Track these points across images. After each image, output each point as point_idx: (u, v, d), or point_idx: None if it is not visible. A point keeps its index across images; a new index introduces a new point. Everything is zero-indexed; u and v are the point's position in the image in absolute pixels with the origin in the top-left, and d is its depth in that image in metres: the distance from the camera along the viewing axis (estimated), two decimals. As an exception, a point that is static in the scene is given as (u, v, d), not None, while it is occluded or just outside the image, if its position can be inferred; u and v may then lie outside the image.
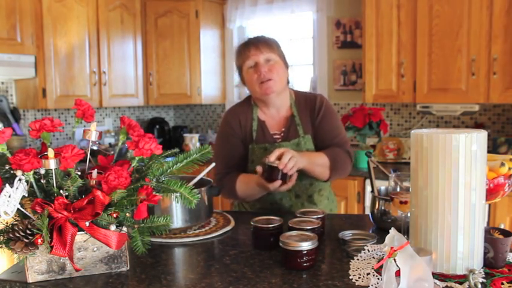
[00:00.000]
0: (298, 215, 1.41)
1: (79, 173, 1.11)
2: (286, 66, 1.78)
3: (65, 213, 1.02)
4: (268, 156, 1.53)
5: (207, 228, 1.48)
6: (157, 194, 1.11)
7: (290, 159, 1.51)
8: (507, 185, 1.15)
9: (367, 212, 2.86)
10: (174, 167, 1.19)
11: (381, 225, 1.44)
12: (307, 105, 1.80)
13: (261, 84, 1.69)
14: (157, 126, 4.42)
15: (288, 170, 1.51)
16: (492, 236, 1.11)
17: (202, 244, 1.36)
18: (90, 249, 1.11)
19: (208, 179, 1.58)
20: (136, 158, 1.15)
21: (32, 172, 1.04)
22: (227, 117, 1.83)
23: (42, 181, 1.07)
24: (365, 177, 3.00)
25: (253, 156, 1.78)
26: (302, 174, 1.68)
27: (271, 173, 1.53)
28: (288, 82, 1.81)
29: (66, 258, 1.04)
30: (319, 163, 1.68)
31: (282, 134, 1.78)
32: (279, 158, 1.51)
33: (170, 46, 4.05)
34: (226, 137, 1.81)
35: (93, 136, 1.14)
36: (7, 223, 1.05)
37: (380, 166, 1.63)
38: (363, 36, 3.28)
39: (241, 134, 1.79)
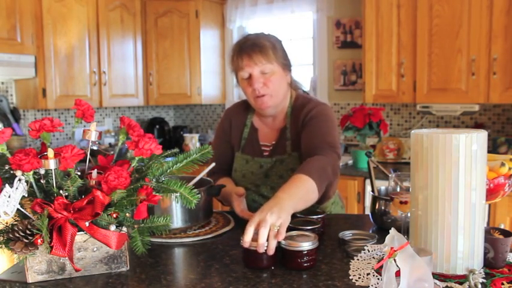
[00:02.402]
0: (298, 215, 1.41)
1: (79, 173, 1.11)
2: (288, 69, 1.63)
3: (65, 213, 1.02)
4: (243, 238, 1.13)
5: (207, 228, 1.48)
6: (157, 194, 1.11)
7: (270, 235, 1.11)
8: (507, 185, 1.15)
9: (367, 212, 2.86)
10: (174, 167, 1.19)
11: (381, 225, 1.44)
12: (299, 113, 1.63)
13: (255, 98, 1.58)
14: (157, 126, 4.42)
15: (272, 250, 1.12)
16: (492, 236, 1.11)
17: (202, 244, 1.36)
18: (90, 250, 1.11)
19: (208, 179, 1.58)
20: (136, 158, 1.15)
21: (31, 172, 1.04)
22: (222, 117, 1.82)
23: (42, 181, 1.07)
24: (365, 177, 3.00)
25: (236, 165, 1.73)
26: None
27: (253, 257, 1.13)
28: (290, 83, 1.68)
29: (66, 258, 1.04)
30: (305, 193, 1.34)
31: (271, 148, 1.68)
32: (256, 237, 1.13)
33: (170, 46, 4.04)
34: (218, 137, 1.81)
35: (93, 136, 1.14)
36: (7, 223, 1.04)
37: (380, 166, 1.63)
38: (363, 36, 3.28)
39: (230, 135, 1.76)
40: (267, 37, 1.60)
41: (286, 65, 1.63)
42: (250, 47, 1.55)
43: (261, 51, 1.54)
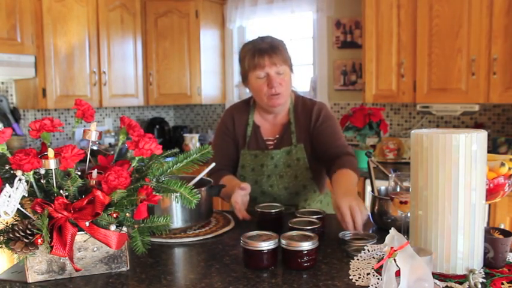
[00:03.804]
0: (298, 215, 1.41)
1: (79, 173, 1.11)
2: (292, 71, 1.73)
3: (65, 213, 1.02)
4: (346, 225, 1.36)
5: (207, 228, 1.48)
6: (157, 194, 1.11)
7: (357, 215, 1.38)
8: (507, 185, 1.15)
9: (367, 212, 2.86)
10: (174, 167, 1.19)
11: (380, 225, 1.44)
12: (304, 111, 1.77)
13: (269, 97, 1.67)
14: (157, 126, 4.41)
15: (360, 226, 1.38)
16: (492, 236, 1.11)
17: (202, 244, 1.36)
18: (90, 249, 1.11)
19: (208, 179, 1.58)
20: (136, 158, 1.15)
21: (32, 172, 1.04)
22: (224, 115, 1.86)
23: (42, 181, 1.07)
24: (365, 177, 3.00)
25: (243, 162, 1.78)
26: (287, 187, 1.70)
27: (253, 257, 1.13)
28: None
29: (66, 258, 1.04)
30: (356, 184, 1.59)
31: (275, 141, 1.78)
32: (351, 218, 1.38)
33: (170, 46, 4.04)
34: (220, 135, 1.84)
35: (93, 136, 1.14)
36: (7, 223, 1.05)
37: (380, 166, 1.63)
38: (363, 36, 3.28)
39: (234, 132, 1.80)
40: (277, 40, 1.71)
41: (292, 68, 1.74)
42: (271, 49, 1.64)
43: (280, 53, 1.65)
